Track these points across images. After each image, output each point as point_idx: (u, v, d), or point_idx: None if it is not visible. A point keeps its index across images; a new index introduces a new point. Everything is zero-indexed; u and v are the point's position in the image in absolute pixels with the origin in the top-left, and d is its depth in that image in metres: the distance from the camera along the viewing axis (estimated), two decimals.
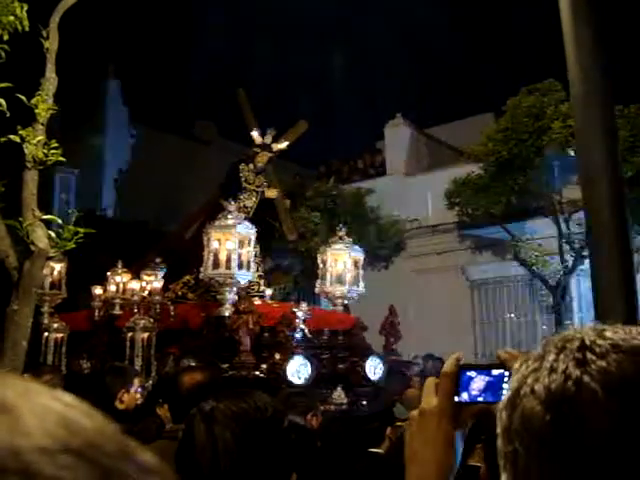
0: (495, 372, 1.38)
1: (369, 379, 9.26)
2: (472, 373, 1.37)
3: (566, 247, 13.78)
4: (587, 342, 0.82)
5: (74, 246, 4.96)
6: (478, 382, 1.37)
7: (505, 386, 1.36)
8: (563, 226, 13.83)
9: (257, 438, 1.80)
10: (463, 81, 32.25)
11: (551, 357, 0.83)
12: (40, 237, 4.81)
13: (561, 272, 14.03)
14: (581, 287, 14.18)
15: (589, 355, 0.80)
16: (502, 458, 0.85)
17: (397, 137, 18.55)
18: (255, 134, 11.61)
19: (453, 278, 16.56)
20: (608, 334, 0.83)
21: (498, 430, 0.86)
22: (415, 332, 14.17)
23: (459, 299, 16.43)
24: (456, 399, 1.34)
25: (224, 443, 1.78)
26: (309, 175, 20.64)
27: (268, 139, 11.61)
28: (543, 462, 0.78)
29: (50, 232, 4.93)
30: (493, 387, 1.37)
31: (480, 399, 1.37)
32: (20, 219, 4.87)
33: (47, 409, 0.35)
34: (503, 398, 0.88)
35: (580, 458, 0.76)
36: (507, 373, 1.35)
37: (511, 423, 0.83)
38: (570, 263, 13.74)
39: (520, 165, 14.31)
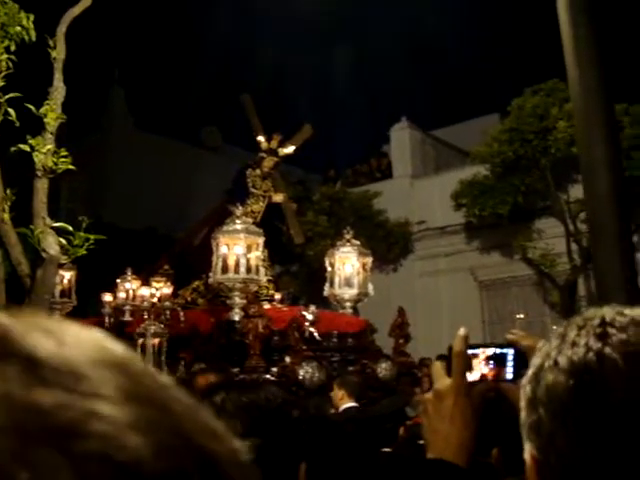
0: (499, 351, 1.41)
1: (380, 381, 9.26)
2: (478, 351, 1.40)
3: (574, 246, 13.77)
4: (607, 319, 0.86)
5: (85, 252, 5.00)
6: (485, 360, 1.40)
7: (510, 364, 1.39)
8: (571, 225, 13.83)
9: (266, 427, 1.82)
10: (468, 83, 32.25)
11: (573, 333, 0.87)
12: (51, 244, 4.85)
13: (569, 271, 14.02)
14: (590, 286, 14.16)
15: (610, 329, 0.84)
16: (525, 429, 0.88)
17: (403, 140, 18.55)
18: (261, 139, 11.65)
19: (462, 279, 16.55)
20: (627, 312, 0.88)
21: (522, 404, 0.89)
22: (425, 334, 14.17)
23: (468, 300, 16.42)
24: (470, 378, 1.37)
25: (234, 432, 1.78)
26: (315, 179, 20.68)
27: (274, 144, 11.65)
28: (567, 427, 0.82)
29: (61, 239, 4.97)
30: (501, 365, 1.40)
31: (488, 377, 1.40)
32: (31, 227, 4.92)
33: (82, 335, 0.42)
34: (526, 374, 0.91)
35: (602, 422, 0.80)
36: (512, 352, 1.38)
37: (535, 394, 0.86)
38: (578, 262, 13.73)
39: (526, 165, 14.33)
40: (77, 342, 0.40)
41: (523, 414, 0.89)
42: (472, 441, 1.34)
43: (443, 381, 1.37)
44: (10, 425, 0.35)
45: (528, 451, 0.88)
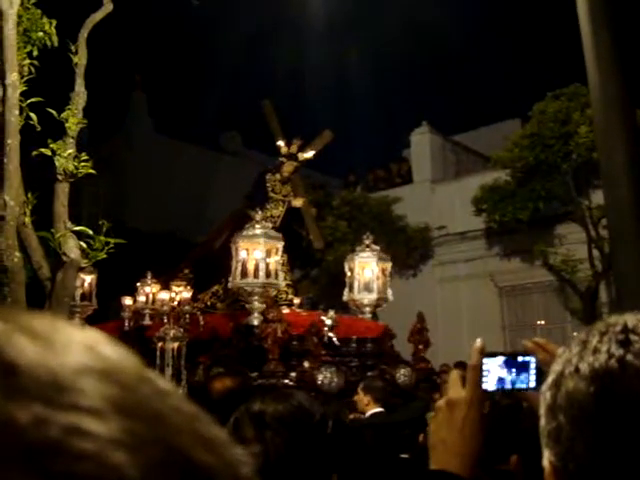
0: (521, 359, 1.39)
1: (399, 387, 9.23)
2: (497, 360, 1.38)
3: (595, 252, 13.66)
4: (630, 325, 0.85)
5: (105, 256, 5.03)
6: (504, 369, 1.38)
7: (532, 372, 1.37)
8: (592, 231, 13.72)
9: (306, 442, 1.80)
10: (489, 87, 32.14)
11: (595, 340, 0.86)
12: (72, 248, 4.88)
13: (590, 277, 13.91)
14: (611, 292, 14.03)
15: (632, 336, 0.83)
16: (545, 436, 0.87)
17: (423, 145, 18.52)
18: (281, 144, 11.67)
19: (482, 285, 16.48)
20: None
21: (541, 410, 0.88)
22: (444, 340, 14.11)
23: (488, 306, 16.34)
24: (483, 387, 1.36)
25: (275, 448, 1.75)
26: (335, 184, 20.69)
27: (294, 149, 11.66)
28: (587, 434, 0.81)
29: (81, 243, 5.00)
30: (520, 374, 1.38)
31: (507, 386, 1.38)
32: (52, 231, 4.95)
33: (75, 338, 0.39)
34: (545, 381, 0.90)
35: (623, 429, 0.78)
36: (534, 359, 1.36)
37: (555, 401, 0.85)
38: (600, 268, 13.62)
39: (547, 170, 14.24)
40: (67, 348, 0.37)
41: (542, 421, 0.88)
42: (478, 454, 1.33)
43: (457, 391, 1.37)
44: None
45: (547, 458, 0.87)
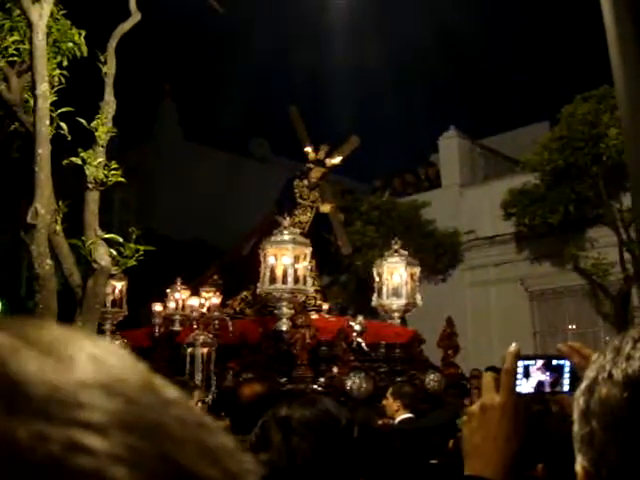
0: (555, 362, 1.38)
1: (428, 392, 9.19)
2: (532, 363, 1.38)
3: (627, 256, 13.49)
4: None
5: (135, 263, 5.08)
6: (539, 373, 1.38)
7: (567, 376, 1.36)
8: (623, 234, 13.56)
9: (332, 448, 1.80)
10: (517, 90, 31.94)
11: (628, 346, 0.85)
12: (102, 255, 4.93)
13: (622, 281, 13.74)
14: None
15: None
16: (578, 442, 0.87)
17: (451, 149, 18.43)
18: (308, 150, 11.70)
19: (512, 290, 16.34)
20: None
21: (574, 416, 0.88)
22: (474, 345, 14.03)
23: (518, 311, 16.20)
24: (517, 389, 1.35)
25: (302, 453, 1.77)
26: (364, 189, 20.67)
27: (321, 155, 11.69)
28: (620, 440, 0.80)
29: (111, 250, 5.05)
30: (555, 378, 1.38)
31: (542, 390, 1.38)
32: (83, 238, 5.01)
33: (78, 350, 0.39)
34: (579, 386, 0.90)
35: None
36: (569, 363, 1.36)
37: (588, 407, 0.85)
38: (631, 272, 13.45)
39: (577, 174, 14.10)
40: (71, 361, 0.37)
41: (576, 426, 0.88)
42: (513, 460, 1.32)
43: (491, 396, 1.35)
44: None
45: (580, 463, 0.87)
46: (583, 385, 0.89)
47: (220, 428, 0.41)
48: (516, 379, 1.35)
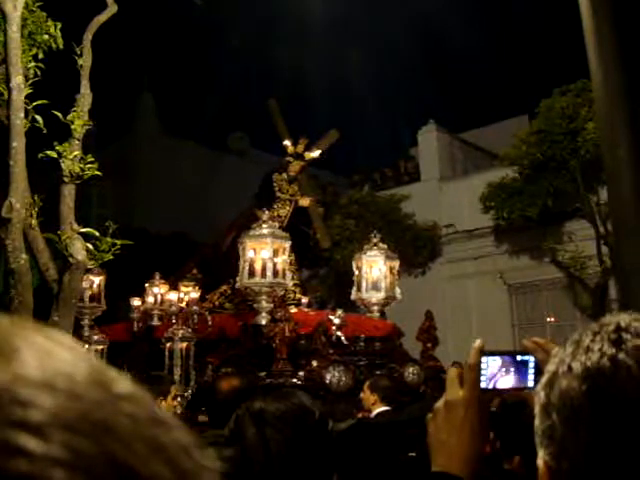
0: (520, 358, 1.38)
1: (407, 385, 9.22)
2: (496, 359, 1.37)
3: (604, 249, 13.60)
4: (623, 324, 0.85)
5: (112, 257, 5.04)
6: (502, 368, 1.38)
7: (531, 372, 1.36)
8: (601, 227, 13.67)
9: (306, 441, 1.81)
10: (495, 85, 32.07)
11: (588, 339, 0.86)
12: (78, 250, 4.89)
13: (600, 274, 13.85)
14: None
15: (624, 335, 0.83)
16: (539, 436, 0.87)
17: (430, 143, 18.50)
18: (287, 143, 11.68)
19: (491, 283, 16.44)
20: None
21: (536, 410, 0.88)
22: (454, 338, 14.10)
23: (497, 304, 16.31)
24: (482, 385, 1.35)
25: (276, 445, 1.77)
26: (343, 182, 20.68)
27: (300, 148, 11.67)
28: (580, 433, 0.80)
29: (88, 244, 5.01)
30: (519, 372, 1.37)
31: (506, 385, 1.38)
32: (58, 233, 4.97)
33: (25, 344, 0.36)
34: (540, 381, 0.90)
35: (615, 428, 0.78)
36: (533, 359, 1.36)
37: (549, 400, 0.85)
38: (609, 264, 13.56)
39: (555, 167, 14.19)
40: (16, 356, 0.35)
41: (537, 420, 0.88)
42: (479, 455, 1.32)
43: (455, 391, 1.35)
44: None
45: (541, 457, 0.87)
46: (544, 379, 0.89)
47: (177, 424, 0.39)
48: (480, 374, 1.35)
